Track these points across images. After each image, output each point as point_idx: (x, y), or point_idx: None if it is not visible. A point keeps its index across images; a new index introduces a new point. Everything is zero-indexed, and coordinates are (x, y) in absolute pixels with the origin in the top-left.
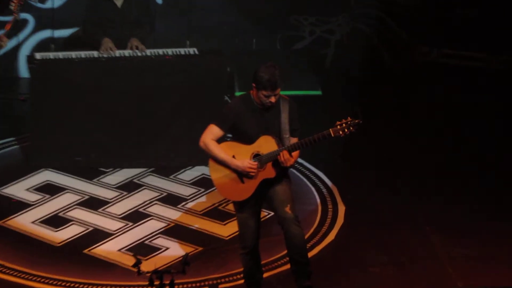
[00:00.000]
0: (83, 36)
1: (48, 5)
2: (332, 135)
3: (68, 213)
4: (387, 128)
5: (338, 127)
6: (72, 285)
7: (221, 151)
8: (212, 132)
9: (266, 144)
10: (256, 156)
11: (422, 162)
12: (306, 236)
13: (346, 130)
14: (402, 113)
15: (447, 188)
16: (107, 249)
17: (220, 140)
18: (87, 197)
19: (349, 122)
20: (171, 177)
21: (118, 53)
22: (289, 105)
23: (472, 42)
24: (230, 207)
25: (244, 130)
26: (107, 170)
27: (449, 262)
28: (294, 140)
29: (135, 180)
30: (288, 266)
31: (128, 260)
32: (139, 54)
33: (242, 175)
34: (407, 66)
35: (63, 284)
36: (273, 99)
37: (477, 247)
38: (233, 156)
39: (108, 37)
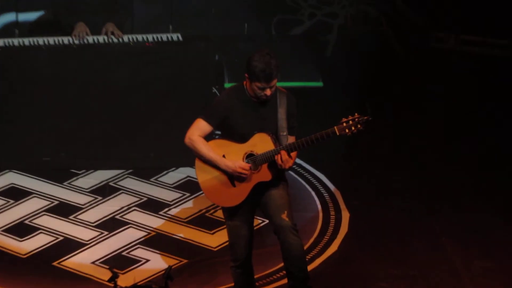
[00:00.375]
0: (53, 20)
1: None
2: (337, 134)
3: (35, 221)
4: (397, 125)
5: (344, 124)
6: None
7: (210, 149)
8: (199, 127)
9: (261, 143)
10: (249, 157)
11: (437, 165)
12: (306, 247)
13: (353, 128)
14: (414, 108)
15: (465, 194)
16: (79, 261)
17: (208, 138)
18: (56, 202)
19: (356, 119)
20: (152, 180)
21: (92, 39)
22: (287, 99)
23: (494, 27)
24: (219, 214)
25: (236, 126)
26: (79, 172)
27: (468, 276)
28: (291, 138)
29: (111, 183)
30: (284, 280)
31: (103, 274)
32: (115, 40)
33: (233, 177)
34: (420, 54)
35: None
36: (268, 92)
37: (500, 259)
38: (223, 156)
39: (81, 21)
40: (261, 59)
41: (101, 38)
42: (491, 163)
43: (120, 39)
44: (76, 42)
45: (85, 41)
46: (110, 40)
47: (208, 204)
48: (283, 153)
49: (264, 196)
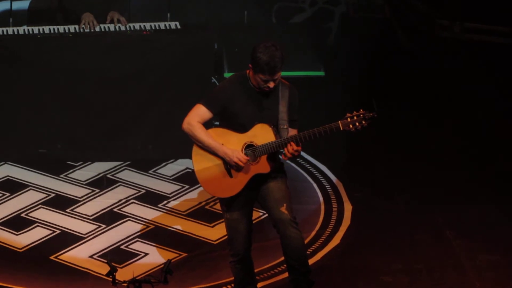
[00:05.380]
0: (51, 9)
1: None
2: (341, 129)
3: (32, 214)
4: (401, 115)
5: (349, 119)
6: None
7: (209, 136)
8: (199, 113)
9: (262, 134)
10: (249, 147)
11: (442, 156)
12: (307, 240)
13: (357, 124)
14: (418, 98)
15: (471, 186)
16: (77, 255)
17: (207, 126)
18: (53, 195)
19: (361, 115)
20: (150, 171)
21: (99, 28)
22: (289, 92)
23: (499, 14)
24: (219, 206)
25: (237, 116)
26: (76, 164)
27: (474, 270)
28: (293, 131)
29: (108, 176)
30: (285, 274)
31: (102, 268)
32: (112, 29)
33: (230, 167)
34: (424, 43)
35: None
36: (271, 85)
37: (505, 252)
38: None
39: (82, 10)
40: (266, 51)
41: (110, 27)
42: (496, 154)
43: (116, 28)
44: (87, 31)
45: (95, 30)
46: (119, 28)
47: (208, 197)
48: (293, 145)
49: (263, 189)
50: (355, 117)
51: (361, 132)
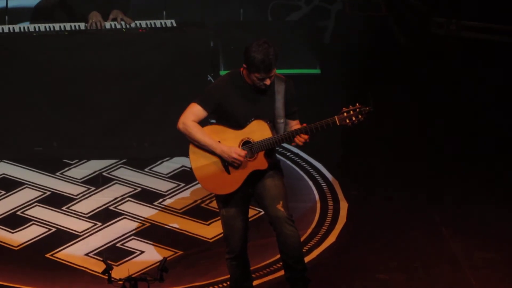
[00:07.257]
0: (62, 7)
1: None
2: (338, 124)
3: (27, 212)
4: (397, 113)
5: (345, 114)
6: None
7: (205, 134)
8: (194, 112)
9: (259, 131)
10: (246, 144)
11: (438, 154)
12: (303, 238)
13: (353, 118)
14: (414, 96)
15: (467, 184)
16: (72, 253)
17: (203, 123)
18: (49, 193)
19: (357, 110)
20: (146, 169)
21: (109, 25)
22: (285, 86)
23: (496, 12)
24: (215, 204)
25: (232, 113)
26: (71, 162)
27: (470, 268)
28: (294, 123)
29: (104, 174)
30: (281, 272)
31: (97, 266)
32: (107, 27)
33: (228, 163)
34: (421, 41)
35: None
36: (267, 82)
37: (501, 250)
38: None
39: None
40: (259, 49)
41: (108, 24)
42: (492, 152)
43: (112, 26)
44: (93, 28)
45: (103, 28)
46: (113, 26)
47: (203, 195)
48: (301, 136)
49: (259, 186)
50: (351, 111)
51: (357, 130)
